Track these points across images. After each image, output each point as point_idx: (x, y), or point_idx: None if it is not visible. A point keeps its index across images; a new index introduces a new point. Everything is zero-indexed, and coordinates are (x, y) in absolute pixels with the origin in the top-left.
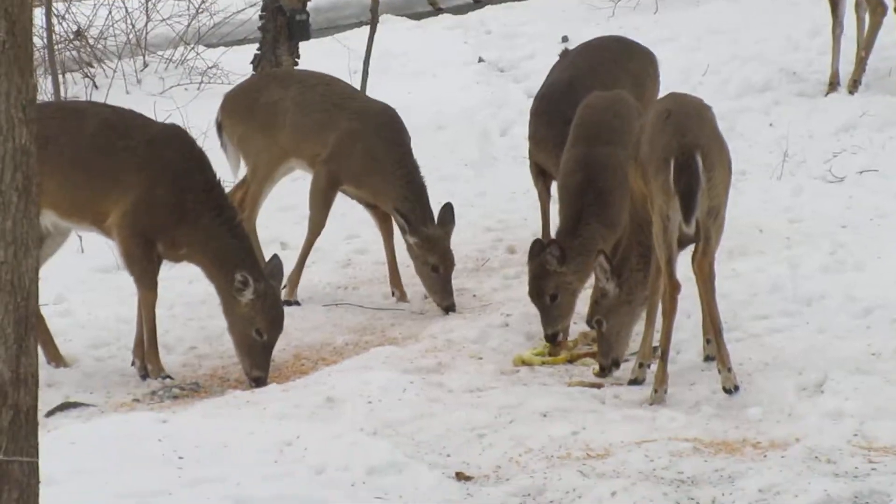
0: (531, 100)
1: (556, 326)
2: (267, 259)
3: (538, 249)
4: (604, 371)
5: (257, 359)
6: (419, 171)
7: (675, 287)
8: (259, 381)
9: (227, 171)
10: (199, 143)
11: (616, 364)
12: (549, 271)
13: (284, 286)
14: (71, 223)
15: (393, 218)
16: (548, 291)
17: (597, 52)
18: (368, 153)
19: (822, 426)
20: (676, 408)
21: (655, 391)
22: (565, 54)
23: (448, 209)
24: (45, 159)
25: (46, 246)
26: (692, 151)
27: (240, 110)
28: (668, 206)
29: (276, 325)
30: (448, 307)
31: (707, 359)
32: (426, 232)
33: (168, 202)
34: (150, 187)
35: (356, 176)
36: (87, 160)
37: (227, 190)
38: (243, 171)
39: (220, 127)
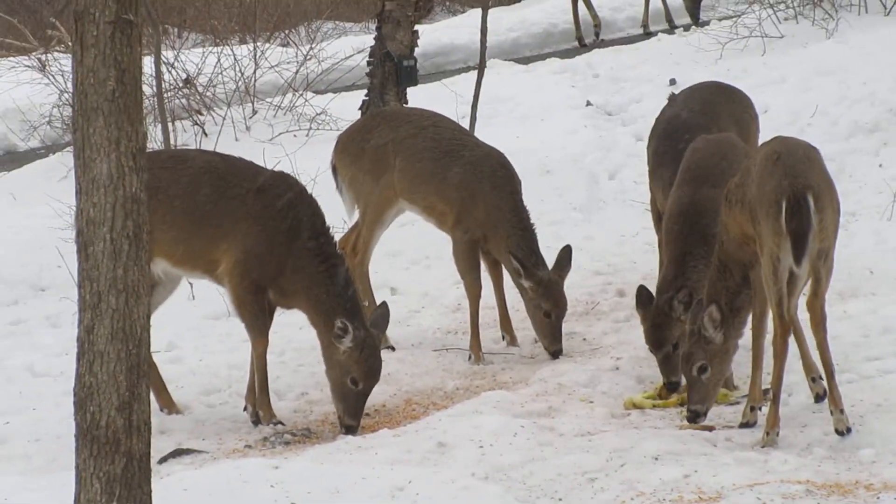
0: (639, 143)
1: (679, 374)
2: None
3: (647, 297)
4: (697, 418)
5: (351, 407)
6: (529, 216)
7: (786, 329)
8: (350, 430)
9: (342, 215)
10: (309, 189)
11: (707, 412)
12: (671, 319)
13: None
14: (182, 271)
15: (505, 263)
16: (671, 340)
17: (703, 94)
18: (488, 205)
19: None
20: (788, 450)
21: (767, 433)
22: (673, 99)
23: (566, 252)
24: (155, 208)
25: (157, 293)
26: (804, 193)
27: (351, 152)
28: (779, 248)
29: (372, 375)
30: (556, 352)
31: (817, 399)
32: (540, 276)
33: (277, 250)
34: (260, 235)
35: (482, 227)
36: (197, 209)
37: (340, 235)
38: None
39: (334, 169)
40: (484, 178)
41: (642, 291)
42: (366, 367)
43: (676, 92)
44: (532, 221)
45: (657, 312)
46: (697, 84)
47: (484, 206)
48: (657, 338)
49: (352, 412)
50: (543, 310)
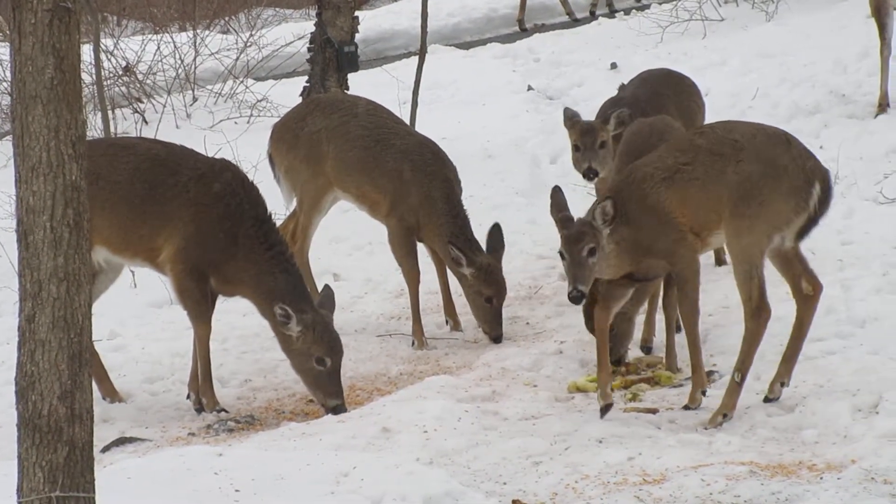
0: None
1: (619, 351)
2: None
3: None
4: (579, 300)
5: (329, 387)
6: (461, 203)
7: (768, 312)
8: (337, 409)
9: (282, 202)
10: (250, 176)
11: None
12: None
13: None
14: (124, 259)
15: (441, 252)
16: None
17: (652, 84)
18: (421, 193)
19: (877, 447)
20: (732, 432)
21: (724, 415)
22: (623, 88)
23: (496, 232)
24: (96, 195)
25: (99, 282)
26: (829, 174)
27: (286, 140)
28: (786, 226)
29: (334, 348)
30: (498, 337)
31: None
32: (480, 262)
33: (219, 237)
34: (202, 223)
35: (415, 215)
36: (138, 196)
37: (280, 222)
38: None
39: (271, 158)
40: (416, 166)
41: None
42: (325, 343)
43: (619, 75)
44: (465, 208)
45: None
46: (647, 72)
47: (416, 195)
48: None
49: (332, 391)
50: (485, 296)
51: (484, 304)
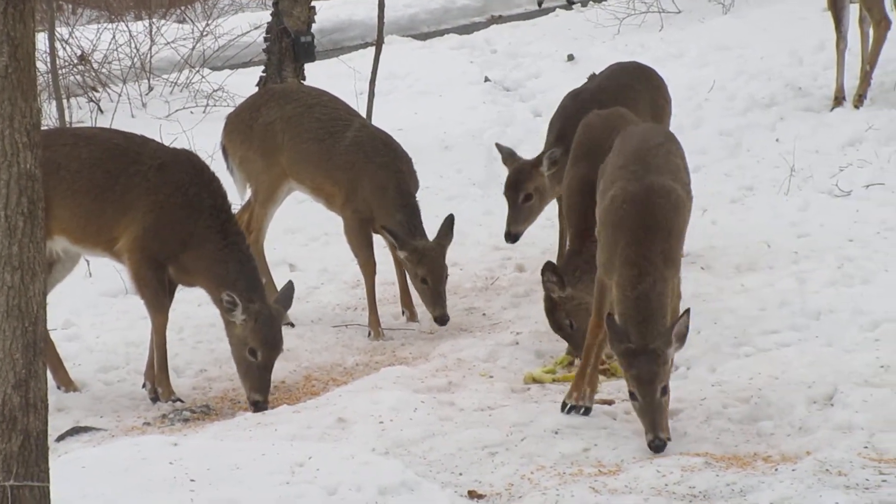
0: (537, 118)
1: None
2: (279, 282)
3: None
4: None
5: (255, 381)
6: (413, 194)
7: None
8: (258, 406)
9: (234, 194)
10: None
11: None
12: (557, 300)
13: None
14: (82, 248)
15: (382, 237)
16: (562, 319)
17: (620, 76)
18: (373, 185)
19: (832, 439)
20: (688, 423)
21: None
22: (592, 78)
23: (447, 222)
24: (55, 185)
25: (56, 271)
26: None
27: (240, 131)
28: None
29: (269, 344)
30: (438, 317)
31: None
32: (414, 245)
33: (177, 227)
34: (161, 212)
35: (369, 206)
36: (97, 186)
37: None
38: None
39: (224, 149)
40: (368, 157)
41: (548, 267)
42: (262, 336)
43: (576, 67)
44: (416, 199)
45: (546, 297)
46: (617, 64)
47: (369, 186)
48: (550, 321)
49: (257, 386)
50: (420, 276)
51: (421, 284)
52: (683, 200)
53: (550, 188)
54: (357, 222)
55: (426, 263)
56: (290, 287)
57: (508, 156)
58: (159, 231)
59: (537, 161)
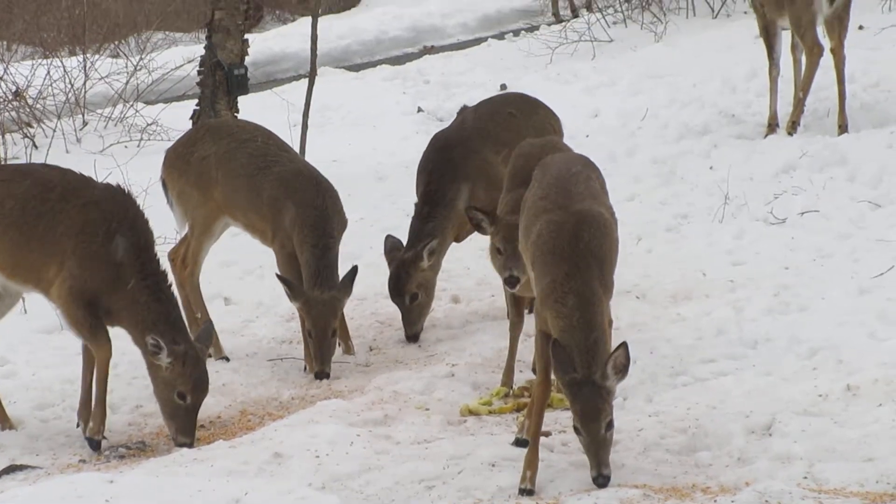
0: None
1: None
2: (213, 315)
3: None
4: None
5: (182, 424)
6: (331, 234)
7: None
8: (185, 447)
9: (173, 228)
10: (140, 200)
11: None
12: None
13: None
14: (17, 285)
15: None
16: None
17: (493, 107)
18: (291, 220)
19: (771, 469)
20: (625, 454)
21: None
22: (463, 111)
23: (349, 275)
24: None
25: None
26: None
27: (177, 166)
28: None
29: (198, 387)
30: (316, 373)
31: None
32: (306, 296)
33: (101, 267)
34: (85, 251)
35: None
36: (28, 223)
37: (167, 248)
38: None
39: (164, 183)
40: (289, 193)
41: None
42: (191, 379)
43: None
44: (333, 238)
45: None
46: (495, 96)
47: (288, 223)
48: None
49: (184, 429)
50: (307, 328)
51: (307, 336)
52: (610, 223)
53: (435, 275)
54: (286, 257)
55: (313, 317)
56: (209, 325)
57: (391, 249)
58: (83, 272)
59: (416, 256)
